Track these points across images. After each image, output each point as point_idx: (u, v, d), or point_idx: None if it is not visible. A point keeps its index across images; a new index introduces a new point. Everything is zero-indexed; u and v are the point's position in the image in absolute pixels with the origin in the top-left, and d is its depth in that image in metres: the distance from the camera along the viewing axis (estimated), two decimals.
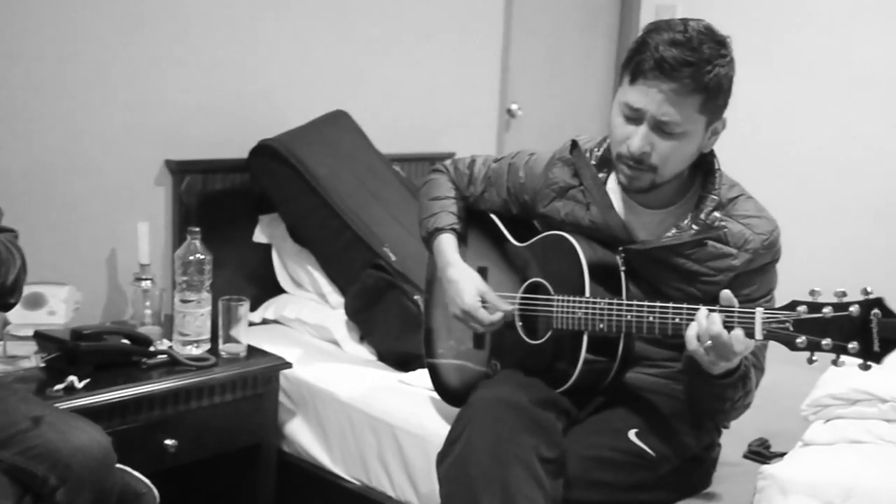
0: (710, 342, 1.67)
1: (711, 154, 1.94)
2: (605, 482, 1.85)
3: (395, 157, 3.35)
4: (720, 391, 1.80)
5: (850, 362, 1.59)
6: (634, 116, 1.81)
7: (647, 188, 1.88)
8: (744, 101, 3.91)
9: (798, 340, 1.58)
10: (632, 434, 1.89)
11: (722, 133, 1.89)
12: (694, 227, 1.89)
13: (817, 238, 3.84)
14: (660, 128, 1.79)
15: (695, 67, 1.73)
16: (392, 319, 2.68)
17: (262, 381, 2.48)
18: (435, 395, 2.36)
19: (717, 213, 1.89)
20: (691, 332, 1.70)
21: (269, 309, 3.01)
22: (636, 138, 1.81)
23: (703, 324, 1.68)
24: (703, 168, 1.95)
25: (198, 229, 2.42)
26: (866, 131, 3.87)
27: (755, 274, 1.91)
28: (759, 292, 1.92)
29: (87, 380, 2.17)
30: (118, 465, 1.87)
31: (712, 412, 1.92)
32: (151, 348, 2.38)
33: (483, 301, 2.06)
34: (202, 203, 2.91)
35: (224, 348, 2.46)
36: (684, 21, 1.78)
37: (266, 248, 3.04)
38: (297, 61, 3.18)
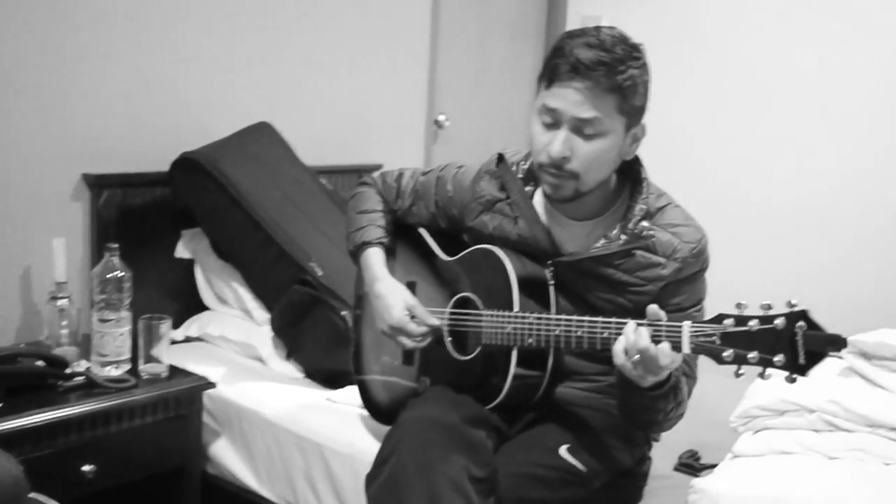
0: (637, 356, 1.66)
1: (638, 163, 1.94)
2: (537, 499, 1.82)
3: (322, 170, 3.31)
4: (651, 403, 1.79)
5: (777, 375, 1.59)
6: (552, 120, 1.82)
7: (572, 196, 1.88)
8: (670, 111, 4.00)
9: (725, 354, 1.58)
10: (563, 450, 1.87)
11: (643, 141, 1.90)
12: (622, 237, 1.89)
13: (744, 250, 3.89)
14: (579, 129, 1.79)
15: (608, 67, 1.75)
16: (319, 336, 2.64)
17: (184, 401, 2.40)
18: (364, 412, 2.32)
19: (645, 223, 1.89)
20: (618, 347, 1.69)
21: (192, 326, 2.95)
22: (556, 143, 1.81)
23: (631, 338, 1.67)
24: (631, 177, 1.95)
25: (116, 245, 2.35)
26: (793, 142, 3.94)
27: (684, 283, 1.91)
28: (688, 301, 1.92)
29: (0, 405, 2.08)
30: (32, 495, 1.79)
31: (646, 423, 1.91)
32: (68, 370, 2.29)
33: (412, 316, 2.03)
34: (122, 218, 2.83)
35: (144, 368, 2.38)
36: (597, 27, 1.82)
37: (189, 264, 2.98)
38: (221, 72, 3.12)
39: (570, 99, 1.78)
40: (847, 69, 3.78)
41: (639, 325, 1.68)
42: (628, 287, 1.90)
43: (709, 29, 4.14)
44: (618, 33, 1.81)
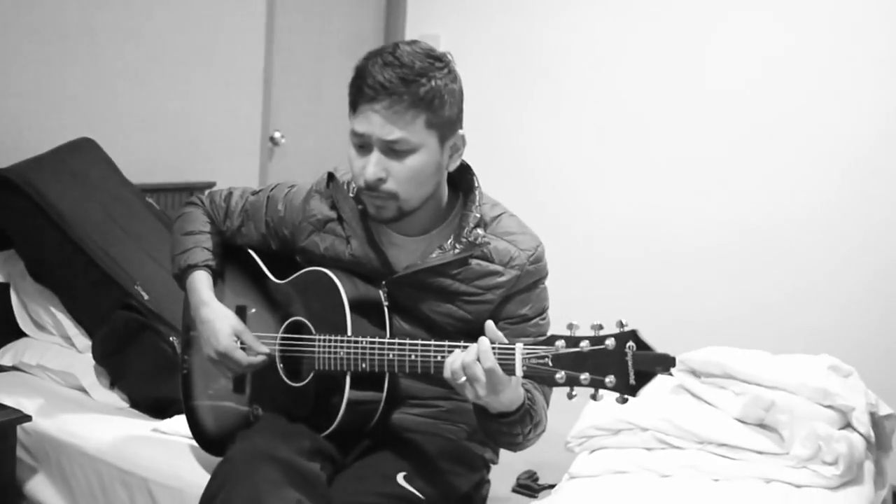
0: (463, 378, 1.63)
1: (470, 172, 1.94)
2: None
3: (149, 188, 3.18)
4: (507, 428, 1.77)
5: (609, 396, 1.59)
6: (363, 143, 1.80)
7: (396, 216, 1.85)
8: (503, 123, 4.02)
9: (557, 376, 1.57)
10: (400, 478, 1.83)
11: (464, 150, 1.89)
12: (457, 246, 1.88)
13: (576, 269, 3.94)
14: (389, 148, 1.78)
15: (407, 83, 1.74)
16: (146, 363, 2.54)
17: None
18: (194, 443, 2.22)
19: (479, 230, 1.88)
20: (450, 363, 1.65)
21: (6, 354, 2.79)
22: (369, 166, 1.79)
23: (459, 358, 1.63)
24: (463, 188, 1.94)
25: None
26: (620, 152, 4.02)
27: (525, 292, 1.91)
28: (533, 311, 1.92)
29: None
30: None
31: (507, 444, 1.88)
32: None
33: (240, 342, 1.95)
34: None
35: None
36: (395, 44, 1.81)
37: (3, 288, 2.81)
38: (38, 82, 2.96)
39: (374, 121, 1.76)
40: (681, 75, 3.91)
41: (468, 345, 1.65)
42: (466, 297, 1.88)
43: (544, 44, 4.19)
44: (419, 47, 1.80)
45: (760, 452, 1.97)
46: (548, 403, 1.90)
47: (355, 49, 4.42)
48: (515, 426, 1.76)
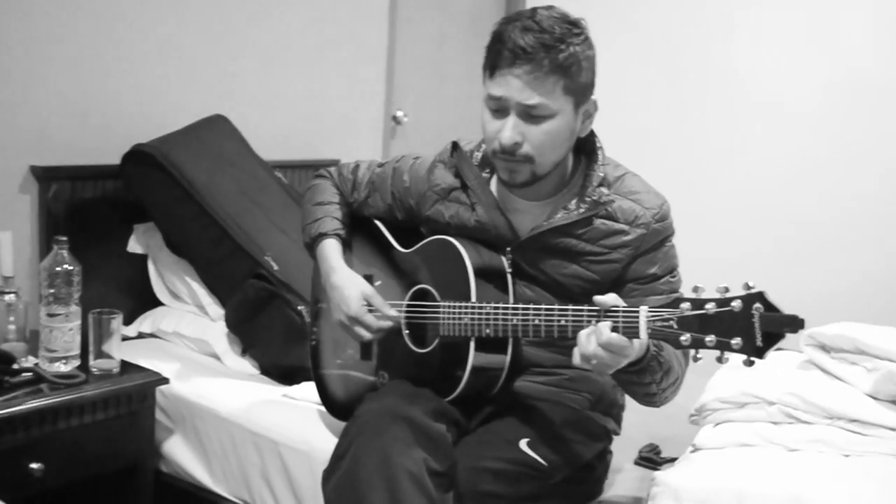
0: (595, 361, 1.64)
1: (592, 135, 1.94)
2: (497, 494, 1.79)
3: (278, 164, 3.26)
4: (637, 377, 1.76)
5: (735, 359, 1.57)
6: (499, 108, 1.81)
7: (530, 180, 1.86)
8: (636, 104, 4.01)
9: (682, 338, 1.56)
10: (523, 444, 1.85)
11: (595, 116, 1.89)
12: (581, 206, 1.88)
13: (706, 239, 3.89)
14: (527, 113, 1.78)
15: (547, 48, 1.74)
16: (275, 331, 2.60)
17: (136, 398, 2.35)
18: (321, 409, 2.29)
19: (603, 189, 1.88)
20: (576, 359, 1.66)
21: (144, 322, 2.89)
22: (506, 130, 1.80)
23: (585, 347, 1.64)
24: (586, 150, 1.94)
25: (65, 238, 2.28)
26: (758, 131, 3.97)
27: (653, 251, 1.90)
28: (662, 270, 1.91)
29: None
30: None
31: (644, 396, 1.86)
32: (15, 366, 2.22)
33: (369, 306, 2.00)
34: (71, 211, 2.76)
35: (95, 364, 2.32)
36: (534, 9, 1.81)
37: (141, 259, 2.92)
38: (175, 62, 3.07)
39: (513, 85, 1.77)
40: (810, 61, 3.83)
41: (598, 321, 1.65)
42: (592, 257, 1.88)
43: (666, 21, 4.16)
44: (556, 13, 1.80)
45: (893, 429, 1.91)
46: (686, 360, 1.87)
47: (475, 30, 4.48)
48: (645, 374, 1.75)
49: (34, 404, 2.13)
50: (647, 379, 1.77)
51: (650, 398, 1.86)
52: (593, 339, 1.63)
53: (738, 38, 4.00)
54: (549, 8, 1.81)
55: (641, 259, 1.89)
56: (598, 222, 1.87)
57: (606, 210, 1.87)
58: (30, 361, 2.28)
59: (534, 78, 1.75)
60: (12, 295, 2.43)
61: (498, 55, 1.79)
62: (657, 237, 1.90)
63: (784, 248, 3.86)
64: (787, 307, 1.58)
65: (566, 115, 1.81)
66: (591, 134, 1.94)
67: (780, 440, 1.93)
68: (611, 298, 1.66)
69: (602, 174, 1.89)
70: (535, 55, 1.74)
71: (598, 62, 1.85)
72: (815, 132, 3.83)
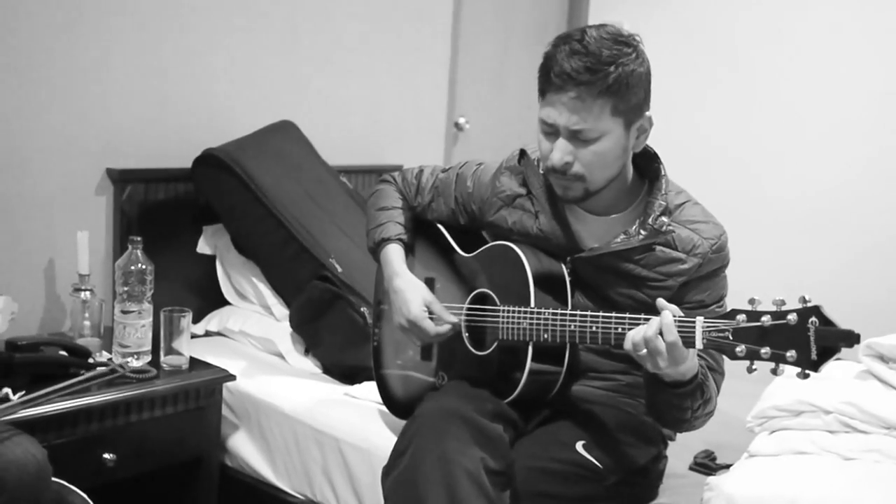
0: (644, 351, 1.67)
1: (657, 161, 1.95)
2: (553, 494, 1.83)
3: (342, 169, 3.33)
4: (678, 401, 1.80)
5: (790, 371, 1.59)
6: (550, 131, 1.85)
7: (583, 196, 1.90)
8: (689, 113, 4.01)
9: (738, 349, 1.59)
10: (579, 446, 1.88)
11: (651, 131, 1.89)
12: (642, 232, 1.90)
13: (760, 251, 3.89)
14: (575, 136, 1.81)
15: (594, 72, 1.75)
16: (338, 331, 2.65)
17: (204, 393, 2.43)
18: (381, 408, 2.34)
19: (664, 218, 1.89)
20: (627, 344, 1.70)
21: (212, 321, 2.97)
22: (556, 151, 1.84)
23: (645, 330, 1.67)
24: (650, 175, 1.96)
25: (139, 238, 2.37)
26: (812, 142, 3.96)
27: (705, 280, 1.92)
28: (711, 298, 1.94)
29: (23, 392, 2.10)
30: (54, 479, 1.82)
31: (674, 421, 1.91)
32: (90, 360, 2.32)
33: (430, 312, 2.05)
34: (144, 213, 2.86)
35: (166, 360, 2.41)
36: (583, 29, 1.82)
37: (210, 259, 2.99)
38: (244, 70, 3.15)
39: (559, 111, 1.80)
40: (862, 68, 3.80)
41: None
42: (648, 282, 1.91)
43: (727, 31, 4.15)
44: (606, 32, 1.80)
45: None
46: (719, 389, 1.92)
47: (539, 38, 4.50)
48: (686, 399, 1.78)
49: (109, 397, 2.22)
50: (687, 403, 1.80)
51: (679, 424, 1.90)
52: (654, 324, 1.66)
53: (792, 46, 3.98)
54: (600, 27, 1.82)
55: (693, 286, 1.92)
56: (657, 249, 1.89)
57: (666, 238, 1.89)
58: (104, 356, 2.38)
59: (580, 102, 1.77)
60: (88, 292, 2.53)
61: (546, 79, 1.82)
62: (711, 266, 1.92)
63: (842, 257, 3.83)
64: (844, 317, 1.59)
65: (616, 135, 1.82)
66: (656, 159, 1.95)
67: (835, 448, 1.93)
68: (670, 306, 1.69)
69: (664, 203, 1.90)
70: (580, 80, 1.76)
71: (654, 72, 1.86)
72: (870, 140, 3.80)
